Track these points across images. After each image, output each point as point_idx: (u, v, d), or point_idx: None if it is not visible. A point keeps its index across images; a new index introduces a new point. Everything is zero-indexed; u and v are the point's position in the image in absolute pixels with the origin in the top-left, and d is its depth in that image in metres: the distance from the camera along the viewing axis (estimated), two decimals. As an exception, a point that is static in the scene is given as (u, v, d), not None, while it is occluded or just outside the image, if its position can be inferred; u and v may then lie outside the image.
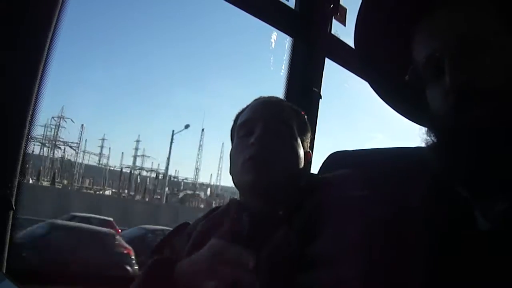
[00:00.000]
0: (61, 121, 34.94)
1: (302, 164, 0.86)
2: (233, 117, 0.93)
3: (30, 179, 28.80)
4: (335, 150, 1.04)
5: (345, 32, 1.76)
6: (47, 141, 35.35)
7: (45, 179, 33.04)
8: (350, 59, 1.74)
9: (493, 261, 0.50)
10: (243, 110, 0.91)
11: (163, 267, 0.73)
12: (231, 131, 0.92)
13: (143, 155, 42.46)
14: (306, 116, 0.93)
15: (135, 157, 42.55)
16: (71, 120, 35.26)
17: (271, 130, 0.82)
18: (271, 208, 0.81)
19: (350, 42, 1.78)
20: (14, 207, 0.88)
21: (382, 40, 0.67)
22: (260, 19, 1.50)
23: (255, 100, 0.91)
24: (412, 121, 0.71)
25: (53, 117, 34.56)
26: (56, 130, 35.21)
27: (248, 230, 0.80)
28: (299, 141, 0.86)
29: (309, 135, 0.92)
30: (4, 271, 0.85)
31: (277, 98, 0.95)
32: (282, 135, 0.84)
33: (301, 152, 0.86)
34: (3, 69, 0.86)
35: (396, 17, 0.63)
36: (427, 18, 0.59)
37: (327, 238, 0.66)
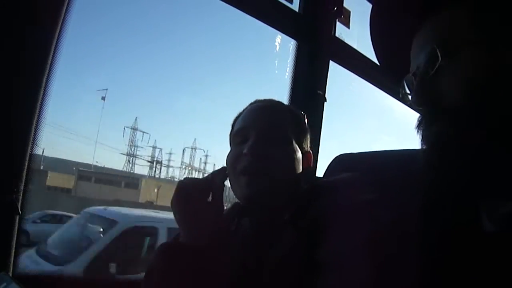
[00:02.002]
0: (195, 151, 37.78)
1: (300, 167, 0.84)
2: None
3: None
4: (341, 153, 1.03)
5: (349, 34, 1.76)
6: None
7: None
8: (355, 61, 1.74)
9: (498, 263, 0.50)
10: (240, 114, 0.89)
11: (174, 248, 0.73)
12: (229, 136, 0.91)
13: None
14: (304, 115, 0.92)
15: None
16: (202, 150, 38.41)
17: (263, 138, 0.81)
18: (273, 214, 0.80)
19: (354, 45, 1.78)
20: (20, 211, 0.88)
21: (398, 52, 0.67)
22: (264, 22, 1.50)
23: (251, 104, 0.90)
24: None
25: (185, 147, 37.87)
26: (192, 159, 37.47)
27: (251, 235, 0.79)
28: (294, 143, 0.84)
29: (307, 134, 0.90)
30: (11, 275, 0.86)
31: (271, 101, 0.92)
32: (275, 141, 0.82)
33: (298, 154, 0.84)
34: (7, 75, 0.87)
35: (403, 30, 0.65)
36: (417, 34, 0.61)
37: (335, 242, 0.65)
